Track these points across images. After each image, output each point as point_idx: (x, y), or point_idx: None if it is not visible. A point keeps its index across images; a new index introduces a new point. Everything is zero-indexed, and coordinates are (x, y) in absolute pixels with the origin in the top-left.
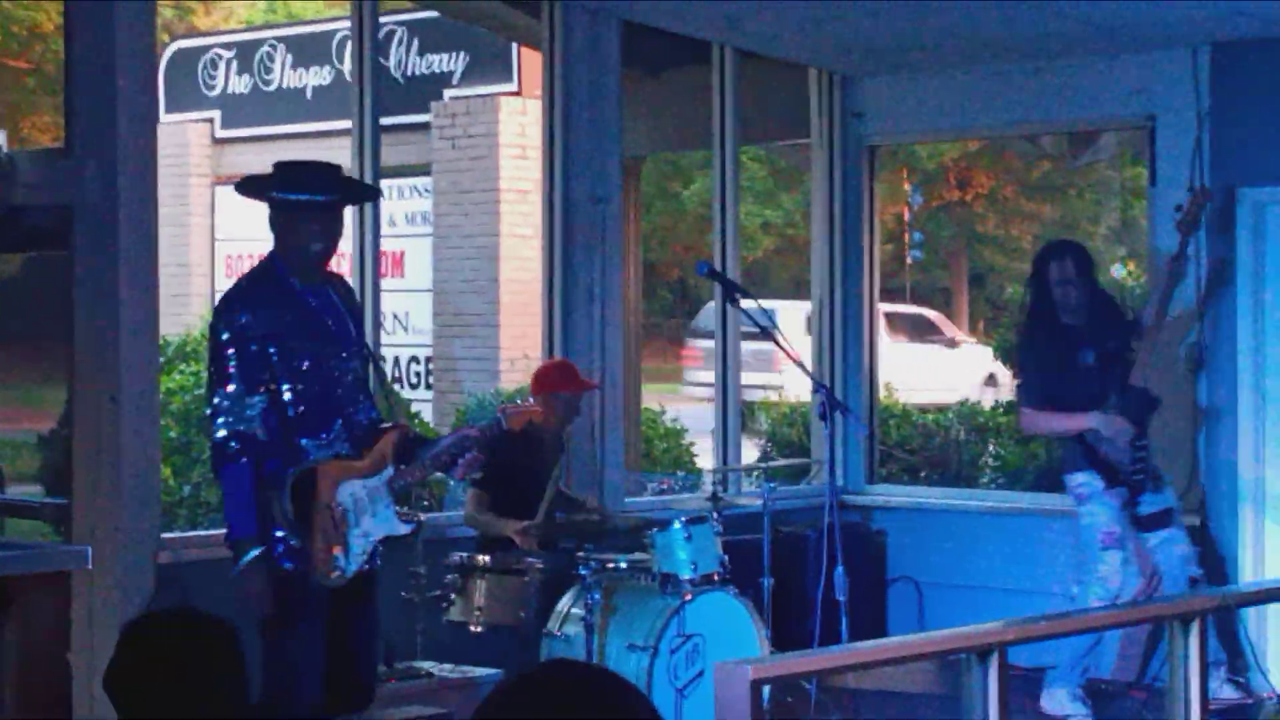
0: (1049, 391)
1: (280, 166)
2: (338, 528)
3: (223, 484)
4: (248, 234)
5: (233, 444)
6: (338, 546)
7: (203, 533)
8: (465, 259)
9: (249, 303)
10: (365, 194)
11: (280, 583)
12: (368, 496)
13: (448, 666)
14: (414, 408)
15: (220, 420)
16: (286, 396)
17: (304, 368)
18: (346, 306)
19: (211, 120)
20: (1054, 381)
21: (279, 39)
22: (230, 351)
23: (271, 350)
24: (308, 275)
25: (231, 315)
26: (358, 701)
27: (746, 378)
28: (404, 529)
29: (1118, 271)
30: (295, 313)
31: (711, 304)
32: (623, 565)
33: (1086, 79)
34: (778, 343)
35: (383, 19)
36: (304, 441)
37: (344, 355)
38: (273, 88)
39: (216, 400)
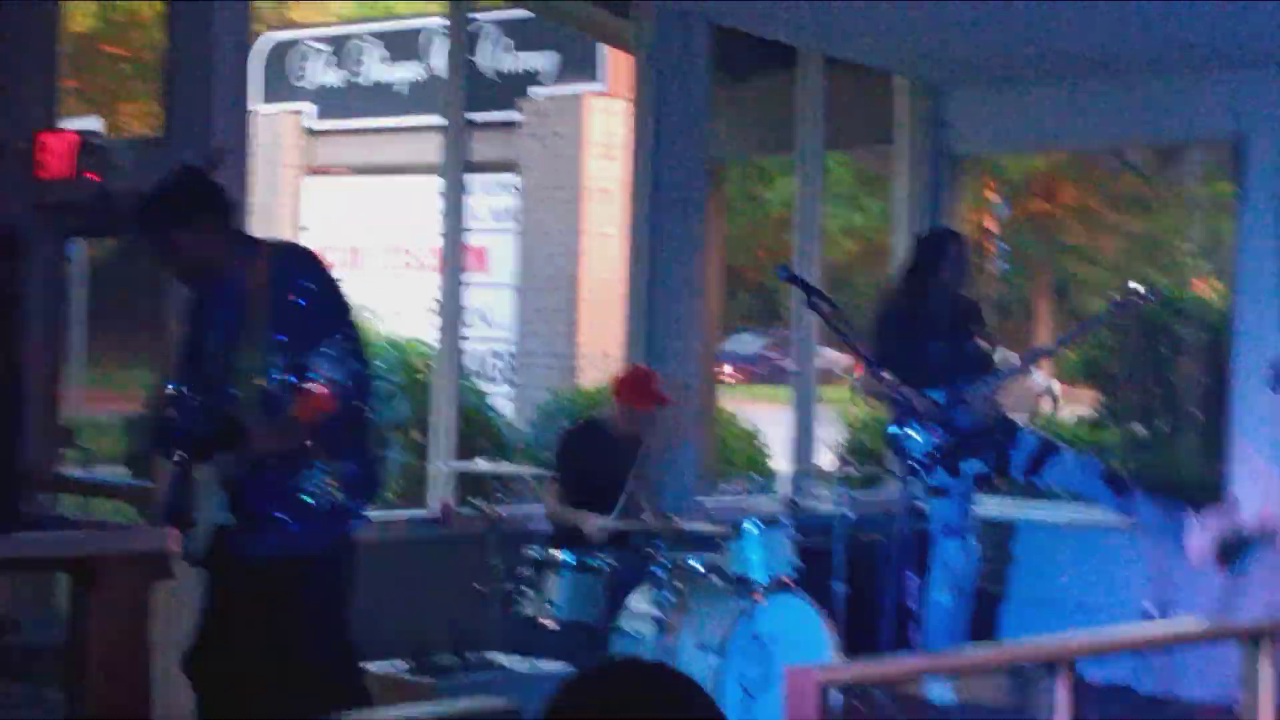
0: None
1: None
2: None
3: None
4: (334, 224)
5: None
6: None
7: None
8: (548, 256)
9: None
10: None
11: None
12: (204, 481)
13: (518, 659)
14: (494, 402)
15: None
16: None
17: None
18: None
19: (304, 112)
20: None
21: (372, 34)
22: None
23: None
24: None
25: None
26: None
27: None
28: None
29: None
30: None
31: (742, 334)
32: (695, 565)
33: (1174, 95)
34: (855, 349)
35: (474, 16)
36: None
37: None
38: (364, 81)
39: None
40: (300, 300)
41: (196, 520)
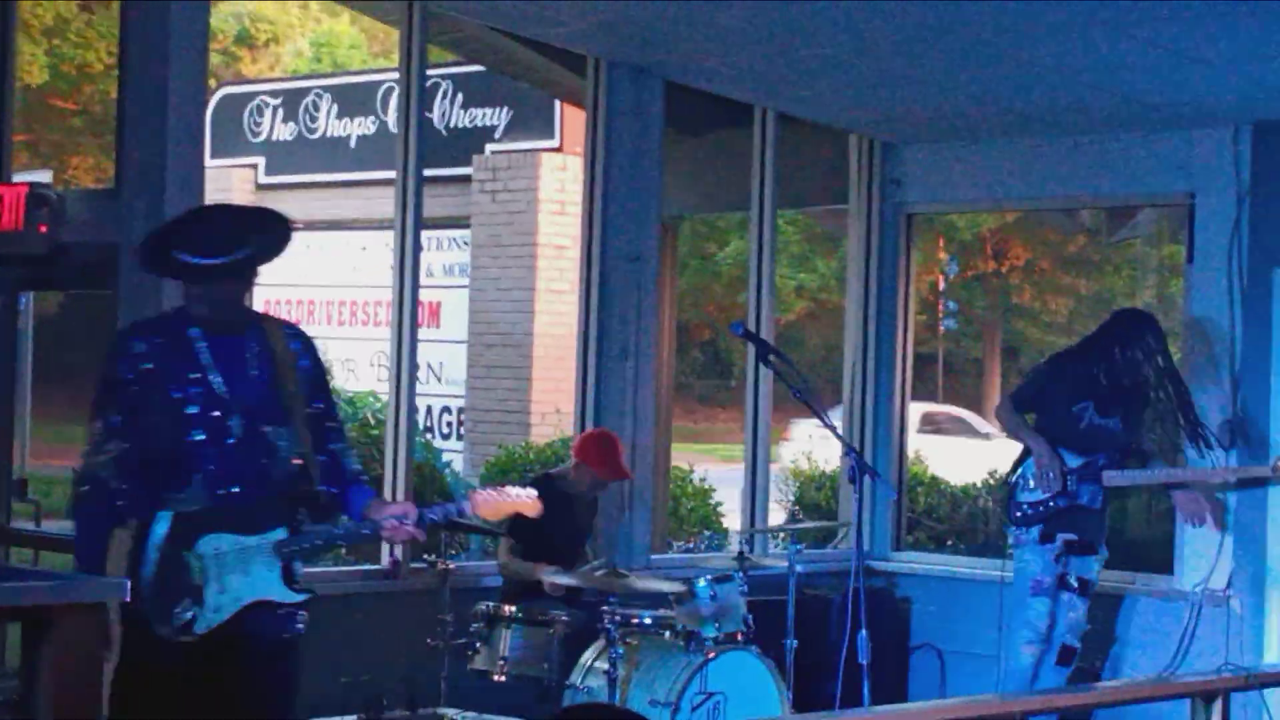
0: (1035, 403)
1: (186, 215)
2: (181, 578)
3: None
4: (288, 279)
5: (84, 486)
6: (185, 599)
7: None
8: (501, 312)
9: (140, 337)
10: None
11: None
12: (239, 554)
13: (471, 714)
14: (446, 458)
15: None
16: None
17: (161, 418)
18: (263, 358)
19: (256, 166)
20: (1046, 399)
21: (325, 88)
22: (107, 385)
23: (139, 390)
24: (209, 327)
25: (121, 346)
26: None
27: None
28: (289, 598)
29: None
30: (179, 360)
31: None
32: (647, 621)
33: (1125, 154)
34: (809, 405)
35: (428, 71)
36: (154, 493)
37: (224, 411)
38: (317, 136)
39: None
40: (322, 370)
41: (207, 592)
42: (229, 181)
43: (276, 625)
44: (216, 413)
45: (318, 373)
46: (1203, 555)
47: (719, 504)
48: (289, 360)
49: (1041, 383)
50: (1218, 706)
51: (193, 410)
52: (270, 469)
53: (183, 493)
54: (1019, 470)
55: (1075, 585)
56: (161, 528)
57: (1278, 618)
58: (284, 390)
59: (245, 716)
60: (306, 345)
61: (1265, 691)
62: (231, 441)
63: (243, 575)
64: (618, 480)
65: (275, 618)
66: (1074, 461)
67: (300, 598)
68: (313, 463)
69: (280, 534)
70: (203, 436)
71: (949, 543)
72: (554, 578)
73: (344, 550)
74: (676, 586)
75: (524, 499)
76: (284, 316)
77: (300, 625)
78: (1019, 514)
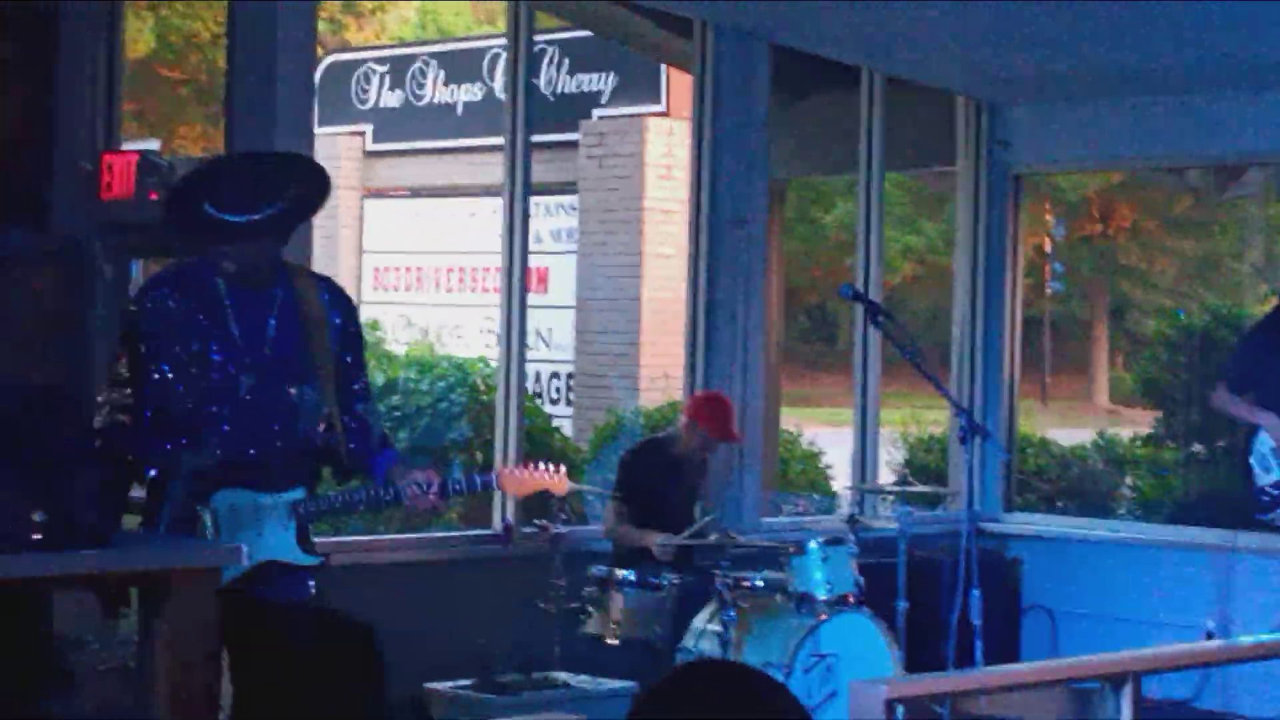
0: (1251, 379)
1: (212, 163)
2: (193, 533)
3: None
4: (395, 246)
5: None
6: None
7: (348, 538)
8: (609, 277)
9: (165, 287)
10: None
11: None
12: (253, 511)
13: (583, 677)
14: (555, 423)
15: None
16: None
17: (180, 371)
18: (291, 313)
19: (363, 133)
20: (1261, 372)
21: (432, 55)
22: (127, 334)
23: (159, 342)
24: (236, 280)
25: (145, 296)
26: None
27: None
28: (303, 560)
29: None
30: (203, 312)
31: None
32: (759, 584)
33: (1233, 113)
34: (919, 366)
35: (535, 37)
36: (168, 446)
37: (243, 366)
38: (424, 103)
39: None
40: (357, 328)
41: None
42: (336, 149)
43: (286, 587)
44: (234, 368)
45: (350, 331)
46: None
47: (828, 466)
48: (319, 316)
49: (1250, 358)
50: None
51: (213, 364)
52: (291, 427)
53: (200, 447)
54: (1251, 455)
55: None
56: (176, 482)
57: None
58: (311, 347)
59: (254, 680)
60: (339, 301)
61: None
62: (250, 398)
63: (255, 534)
64: (727, 442)
65: (286, 580)
66: None
67: (312, 561)
68: (338, 423)
69: (297, 494)
70: (221, 392)
71: (1059, 504)
72: (662, 542)
73: (454, 515)
74: (786, 547)
75: (552, 478)
76: (322, 272)
77: (311, 589)
78: (1265, 499)
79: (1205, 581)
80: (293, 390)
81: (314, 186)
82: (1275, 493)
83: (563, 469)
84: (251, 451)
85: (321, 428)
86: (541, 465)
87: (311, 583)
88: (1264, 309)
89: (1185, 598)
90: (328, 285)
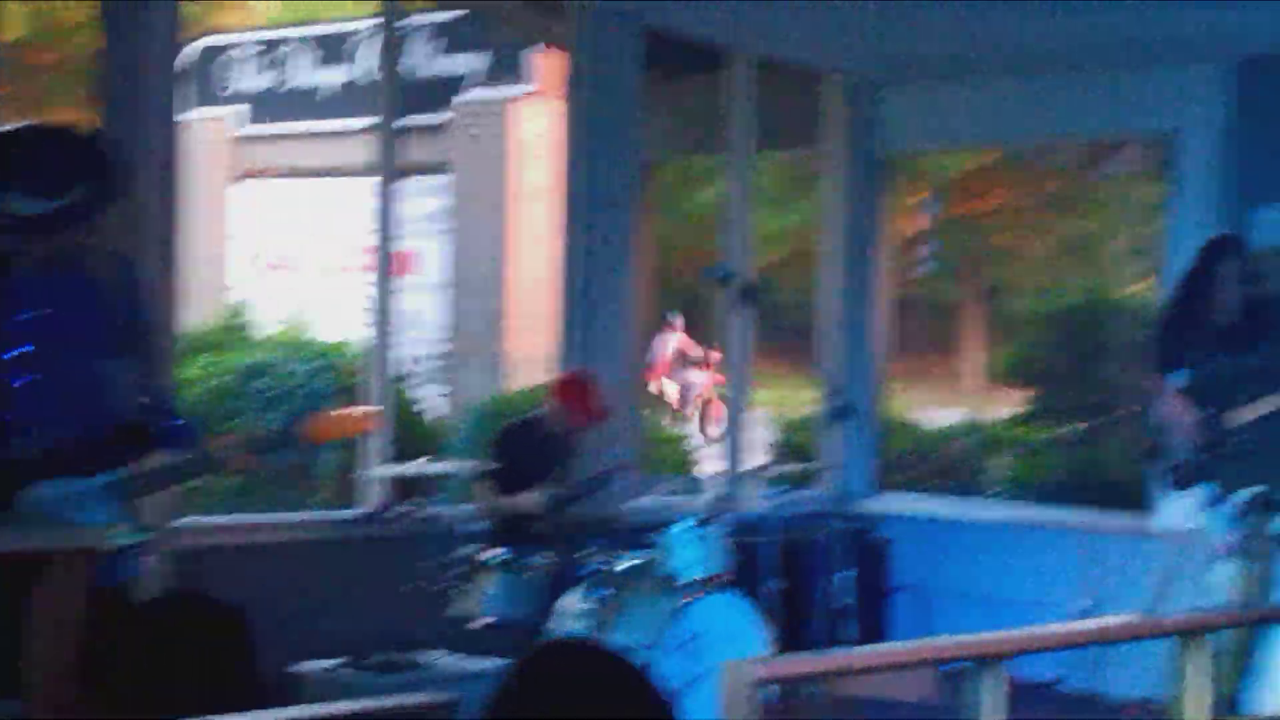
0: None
1: None
2: None
3: None
4: (264, 228)
5: None
6: None
7: (218, 519)
8: (479, 259)
9: None
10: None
11: None
12: (63, 500)
13: (453, 657)
14: (425, 404)
15: None
16: None
17: None
18: (84, 293)
19: (234, 117)
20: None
21: (301, 38)
22: None
23: None
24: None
25: None
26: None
27: None
28: (126, 540)
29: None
30: None
31: None
32: (629, 564)
33: (1108, 92)
34: (789, 347)
35: (406, 19)
36: None
37: (42, 351)
38: (294, 86)
39: None
40: (143, 305)
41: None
42: (208, 132)
43: (115, 569)
44: (32, 353)
45: (136, 309)
46: (1182, 495)
47: (699, 448)
48: (111, 296)
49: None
50: (1200, 645)
51: (7, 353)
52: (95, 408)
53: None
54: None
55: None
56: None
57: None
58: (106, 327)
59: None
60: (127, 280)
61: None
62: (51, 383)
63: (77, 520)
64: (593, 421)
65: (113, 562)
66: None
67: (140, 537)
68: (137, 400)
69: (109, 475)
70: (19, 380)
71: (929, 484)
72: (534, 498)
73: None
74: (655, 528)
75: (354, 418)
76: (112, 247)
77: (137, 567)
78: (1176, 475)
79: (1075, 562)
80: (91, 369)
81: (98, 177)
82: (1193, 459)
83: (364, 408)
84: (58, 436)
85: (123, 405)
86: (344, 409)
87: (137, 560)
88: (1135, 288)
89: (1055, 578)
90: (122, 263)
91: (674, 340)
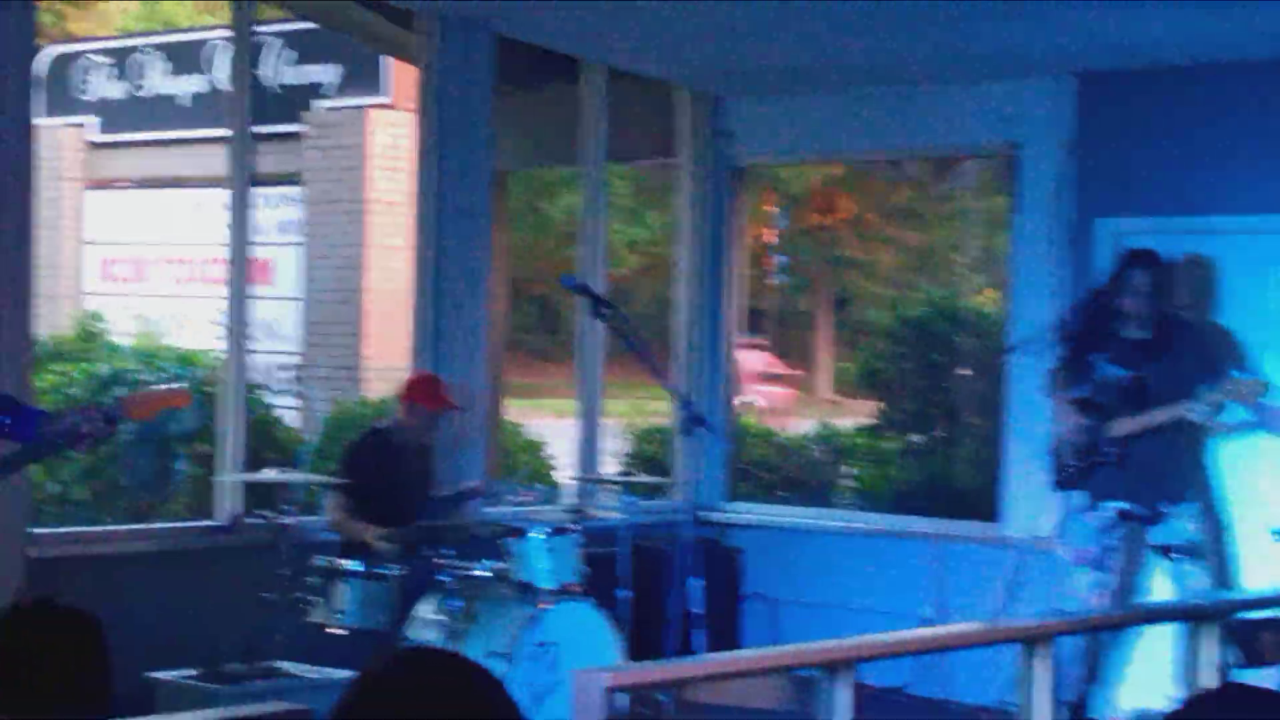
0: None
1: None
2: None
3: None
4: (119, 238)
5: None
6: None
7: (73, 529)
8: (333, 268)
9: None
10: None
11: None
12: None
13: (307, 667)
14: (280, 414)
15: None
16: None
17: None
18: None
19: (88, 125)
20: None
21: (154, 46)
22: None
23: None
24: None
25: None
26: None
27: None
28: None
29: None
30: None
31: None
32: (483, 573)
33: (952, 106)
34: (642, 357)
35: (258, 28)
36: None
37: None
38: (147, 94)
39: None
40: None
41: None
42: (61, 140)
43: None
44: None
45: None
46: (1028, 503)
47: (552, 457)
48: None
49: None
50: (1045, 651)
51: None
52: None
53: None
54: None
55: None
56: None
57: None
58: None
59: None
60: None
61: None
62: None
63: None
64: (448, 412)
65: None
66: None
67: None
68: None
69: None
70: None
71: (780, 493)
72: (378, 535)
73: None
74: (509, 537)
75: (171, 393)
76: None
77: None
78: (1067, 472)
79: (923, 570)
80: None
81: None
82: (1075, 464)
83: (181, 384)
84: None
85: None
86: (162, 386)
87: None
88: (980, 299)
89: (903, 586)
90: None
91: (757, 356)
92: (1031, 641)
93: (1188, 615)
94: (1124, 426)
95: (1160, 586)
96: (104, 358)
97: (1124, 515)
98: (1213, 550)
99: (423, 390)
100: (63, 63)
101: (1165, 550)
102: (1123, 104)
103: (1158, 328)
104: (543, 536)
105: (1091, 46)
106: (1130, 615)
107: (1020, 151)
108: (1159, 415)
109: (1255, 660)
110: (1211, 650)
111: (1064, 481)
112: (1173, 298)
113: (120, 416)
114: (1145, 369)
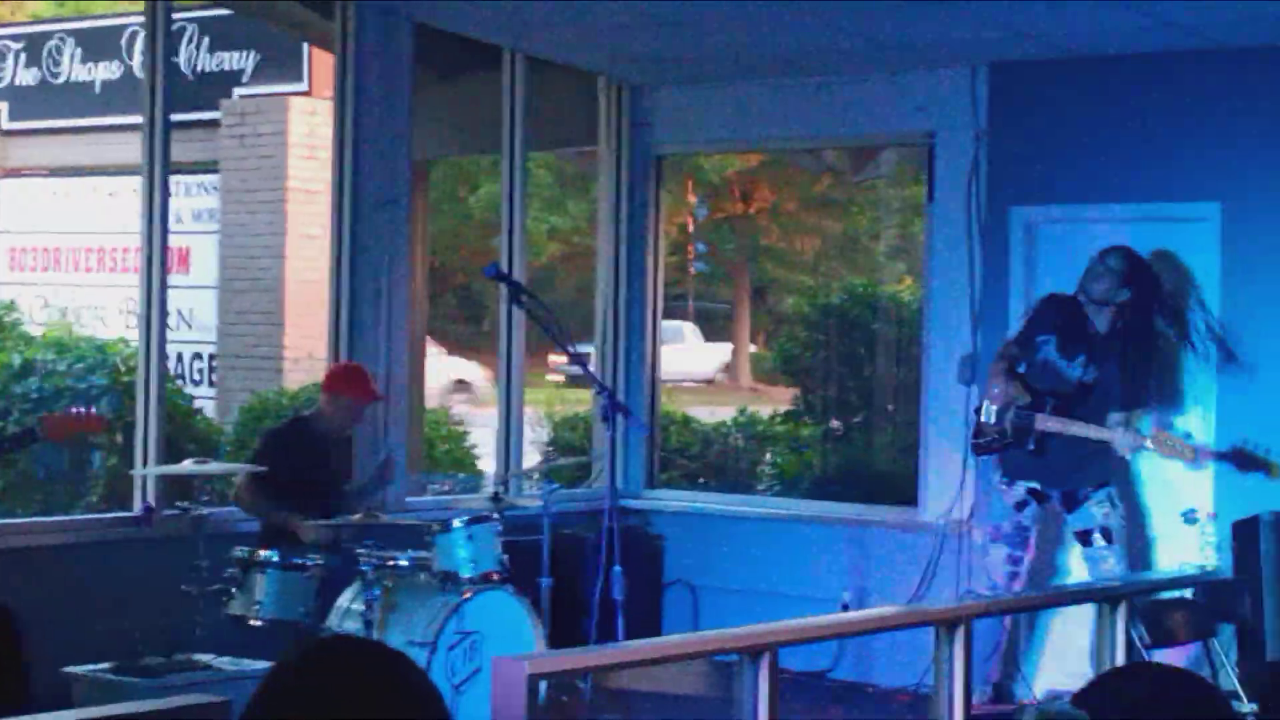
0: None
1: None
2: None
3: None
4: (32, 226)
5: None
6: None
7: None
8: (251, 257)
9: None
10: None
11: None
12: None
13: (226, 659)
14: (197, 404)
15: None
16: None
17: None
18: None
19: None
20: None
21: (68, 32)
22: None
23: None
24: None
25: None
26: None
27: None
28: None
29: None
30: None
31: None
32: (403, 562)
33: (868, 95)
34: (562, 345)
35: (174, 15)
36: None
37: None
38: (61, 81)
39: None
40: None
41: None
42: None
43: None
44: None
45: None
46: (945, 488)
47: (474, 446)
48: None
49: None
50: (960, 634)
51: None
52: None
53: None
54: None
55: None
56: None
57: None
58: None
59: None
60: None
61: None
62: None
63: None
64: (372, 402)
65: None
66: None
67: None
68: None
69: None
70: None
71: (701, 480)
72: (309, 527)
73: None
74: (430, 526)
75: (86, 419)
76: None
77: None
78: (985, 438)
79: (842, 555)
80: None
81: None
82: (995, 436)
83: (93, 409)
84: None
85: None
86: (78, 409)
87: None
88: (898, 288)
89: (823, 571)
90: None
91: None
92: (947, 624)
93: (1100, 597)
94: (1050, 424)
95: (1077, 569)
96: (16, 347)
97: (1034, 494)
98: (1126, 534)
99: (347, 382)
100: None
101: (1084, 536)
102: (1034, 94)
103: (1115, 325)
104: (463, 525)
105: (1004, 37)
106: (1044, 597)
107: (935, 140)
108: (1088, 430)
109: (1165, 640)
110: (1123, 631)
111: (982, 447)
112: (1155, 295)
113: (41, 437)
114: (1089, 369)
